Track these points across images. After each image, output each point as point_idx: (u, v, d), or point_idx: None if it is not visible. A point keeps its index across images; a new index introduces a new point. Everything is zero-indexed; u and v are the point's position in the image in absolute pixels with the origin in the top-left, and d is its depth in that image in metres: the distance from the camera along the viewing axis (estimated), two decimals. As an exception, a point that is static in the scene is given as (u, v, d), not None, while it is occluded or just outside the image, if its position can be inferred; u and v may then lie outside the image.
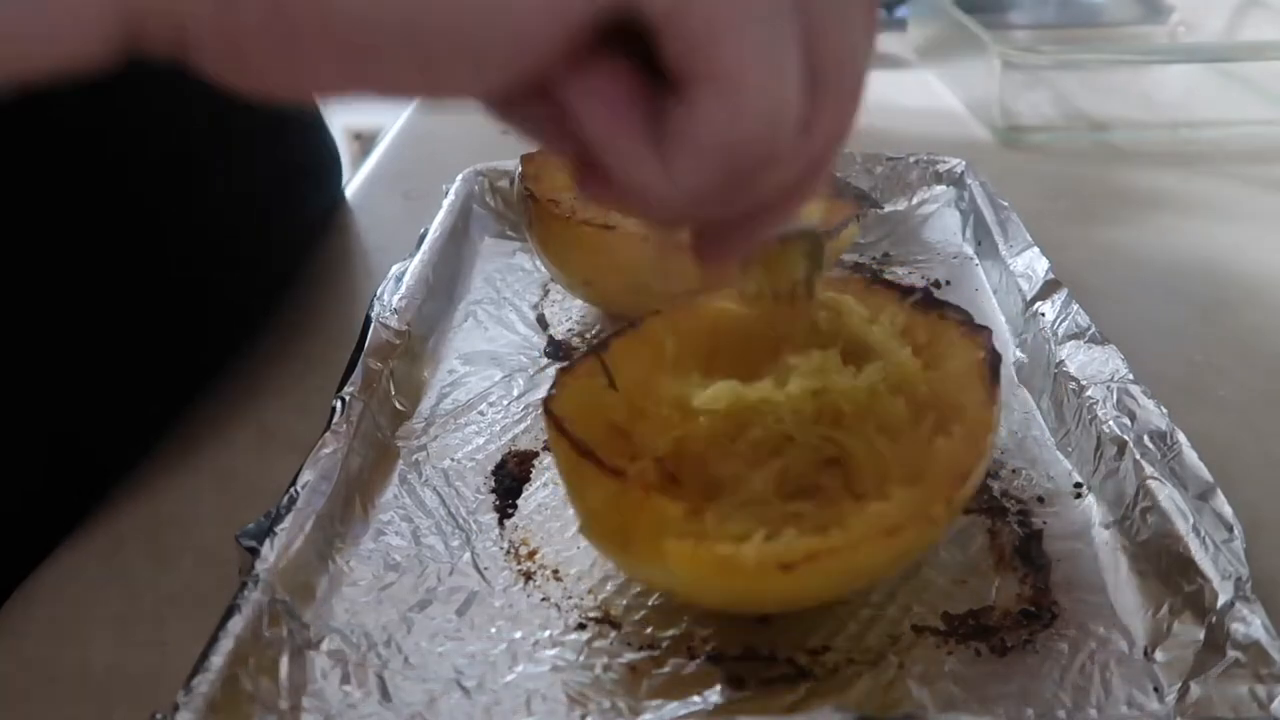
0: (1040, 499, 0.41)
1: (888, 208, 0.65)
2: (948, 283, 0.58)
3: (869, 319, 0.39)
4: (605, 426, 0.37)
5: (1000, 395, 0.36)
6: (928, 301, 0.41)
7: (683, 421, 0.37)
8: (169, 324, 0.48)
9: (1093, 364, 0.44)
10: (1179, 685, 0.32)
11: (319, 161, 0.69)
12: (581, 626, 0.36)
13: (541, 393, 0.48)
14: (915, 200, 0.65)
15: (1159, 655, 0.34)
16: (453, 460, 0.44)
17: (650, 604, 0.37)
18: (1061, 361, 0.45)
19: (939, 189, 0.65)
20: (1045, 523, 0.40)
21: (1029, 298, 0.51)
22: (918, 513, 0.32)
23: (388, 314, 0.49)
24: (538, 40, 0.23)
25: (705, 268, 0.30)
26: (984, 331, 0.39)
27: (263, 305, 0.57)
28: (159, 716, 0.29)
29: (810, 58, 0.25)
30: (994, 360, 0.37)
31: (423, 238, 0.56)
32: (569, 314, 0.55)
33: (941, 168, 0.65)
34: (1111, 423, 0.41)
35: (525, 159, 0.55)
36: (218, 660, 0.31)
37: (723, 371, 0.38)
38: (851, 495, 0.35)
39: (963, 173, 0.64)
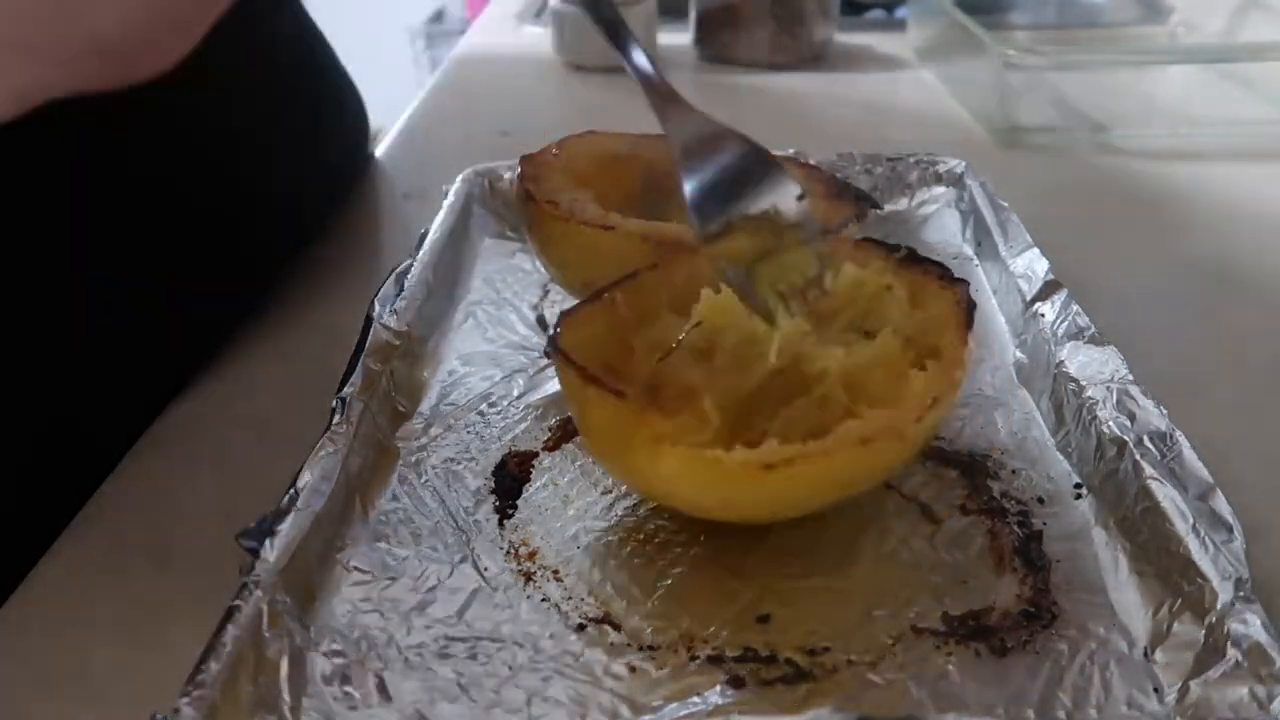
0: (1040, 500, 0.41)
1: (888, 208, 0.65)
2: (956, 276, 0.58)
3: (860, 274, 0.43)
4: (602, 361, 0.40)
5: (971, 338, 0.40)
6: (911, 258, 0.44)
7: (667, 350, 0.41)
8: (170, 304, 0.48)
9: (1093, 364, 0.44)
10: (1179, 686, 0.32)
11: (341, 126, 0.70)
12: (581, 627, 0.36)
13: (541, 394, 0.48)
14: (915, 201, 0.65)
15: (1159, 656, 0.34)
16: (453, 460, 0.44)
17: (650, 605, 0.37)
18: (1061, 362, 0.45)
19: (939, 189, 0.65)
20: (1045, 523, 0.40)
21: (1029, 298, 0.51)
22: (890, 428, 0.36)
23: (388, 314, 0.49)
24: None
25: None
26: (962, 284, 0.42)
27: (267, 281, 0.57)
28: (159, 717, 0.29)
29: None
30: (969, 306, 0.41)
31: (423, 238, 0.56)
32: (569, 314, 0.55)
33: (941, 168, 0.65)
34: (1111, 423, 0.41)
35: (524, 160, 0.55)
36: (218, 660, 0.31)
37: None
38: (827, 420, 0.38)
39: (963, 173, 0.64)
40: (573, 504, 0.42)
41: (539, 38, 1.03)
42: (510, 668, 0.34)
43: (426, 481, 0.43)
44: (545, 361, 0.51)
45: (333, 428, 0.41)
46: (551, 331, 0.39)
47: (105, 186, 0.45)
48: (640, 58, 0.42)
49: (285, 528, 0.36)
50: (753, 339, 0.41)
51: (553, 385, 0.49)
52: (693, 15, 0.99)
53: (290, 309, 0.57)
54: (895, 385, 0.39)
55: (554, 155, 0.55)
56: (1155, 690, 0.33)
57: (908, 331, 0.41)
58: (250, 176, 0.55)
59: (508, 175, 0.64)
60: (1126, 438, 0.40)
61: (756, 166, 0.39)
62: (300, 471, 0.39)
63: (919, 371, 0.39)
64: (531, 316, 0.55)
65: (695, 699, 0.33)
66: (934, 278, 0.43)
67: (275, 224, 0.58)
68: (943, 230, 0.63)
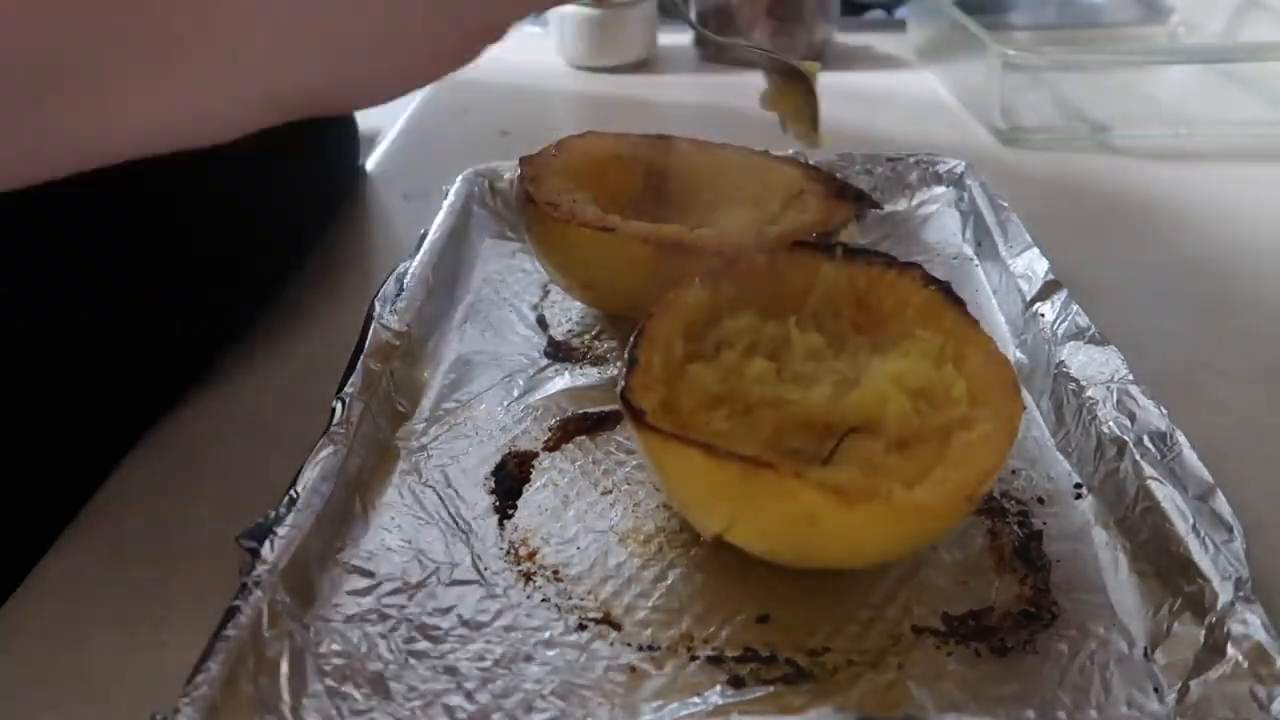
0: (1040, 500, 0.41)
1: (887, 208, 0.65)
2: (948, 283, 0.58)
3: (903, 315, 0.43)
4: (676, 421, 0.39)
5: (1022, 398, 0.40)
6: (945, 293, 0.43)
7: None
8: (170, 308, 0.48)
9: (1093, 364, 0.44)
10: (1179, 686, 0.32)
11: (335, 138, 0.70)
12: (582, 627, 0.36)
13: (541, 394, 0.48)
14: (915, 201, 0.65)
15: (1159, 656, 0.34)
16: (453, 461, 0.44)
17: (650, 605, 0.37)
18: (1061, 362, 0.45)
19: (939, 189, 0.65)
20: (1045, 523, 0.40)
21: (1029, 298, 0.51)
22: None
23: (388, 314, 0.49)
24: None
25: None
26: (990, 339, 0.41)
27: (268, 287, 0.57)
28: (159, 717, 0.29)
29: None
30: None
31: (423, 238, 0.56)
32: (569, 314, 0.55)
33: (941, 168, 0.65)
34: (1111, 423, 0.41)
35: (524, 161, 0.54)
36: (218, 661, 0.31)
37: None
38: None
39: (963, 173, 0.64)
40: (573, 504, 0.42)
41: (539, 38, 1.04)
42: (510, 668, 0.34)
43: (426, 481, 0.43)
44: (545, 361, 0.51)
45: (333, 428, 0.41)
46: (637, 414, 0.37)
47: (105, 199, 0.45)
48: None
49: (285, 528, 0.36)
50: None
51: (552, 385, 0.49)
52: (693, 15, 0.99)
53: (290, 309, 0.57)
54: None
55: (553, 156, 0.55)
56: (1155, 690, 0.33)
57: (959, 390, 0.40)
58: (243, 196, 0.55)
59: (508, 175, 0.64)
60: (1126, 438, 0.40)
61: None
62: (300, 471, 0.39)
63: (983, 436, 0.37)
64: (531, 316, 0.55)
65: (695, 699, 0.33)
66: (970, 323, 0.42)
67: (266, 243, 0.58)
68: (943, 230, 0.63)
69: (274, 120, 0.33)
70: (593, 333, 0.54)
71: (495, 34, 0.36)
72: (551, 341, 0.53)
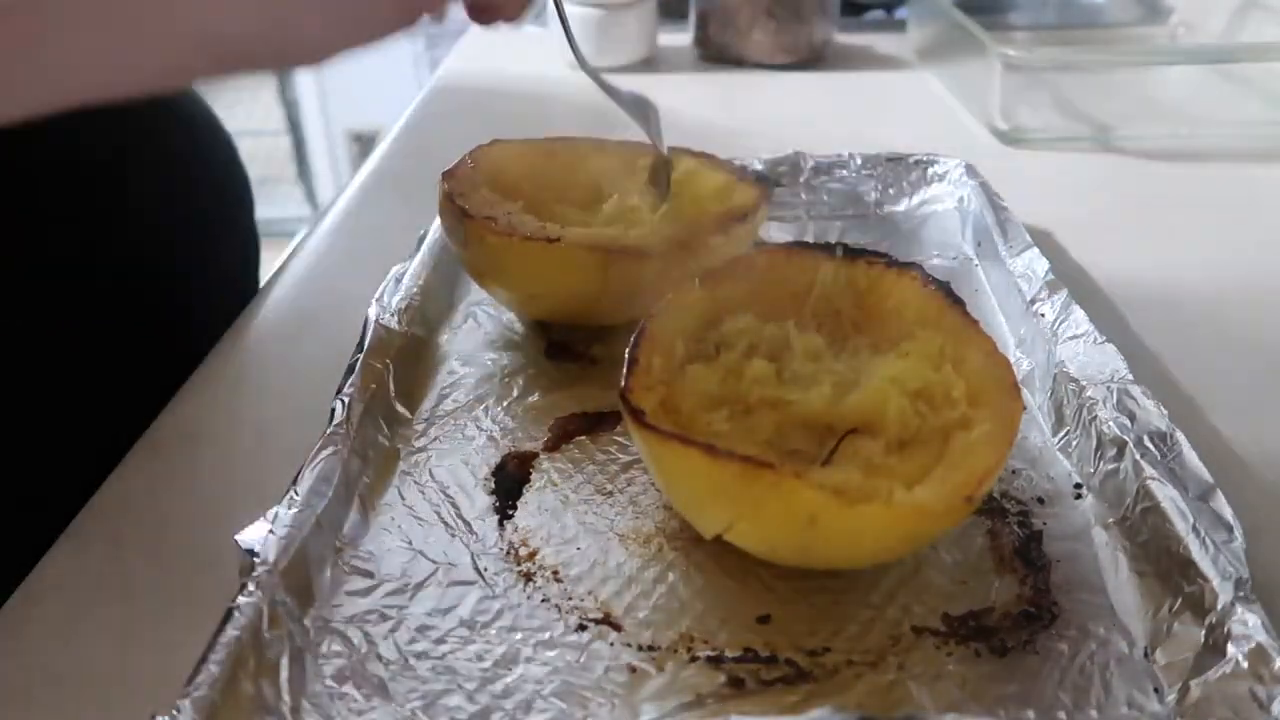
0: (1040, 500, 0.41)
1: (887, 208, 0.65)
2: (948, 283, 0.58)
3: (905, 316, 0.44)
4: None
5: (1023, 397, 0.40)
6: (945, 293, 0.44)
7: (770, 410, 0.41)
8: (154, 313, 0.48)
9: (1093, 364, 0.44)
10: (1179, 686, 0.32)
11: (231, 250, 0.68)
12: (582, 628, 0.36)
13: (541, 394, 0.48)
14: (915, 200, 0.65)
15: (1159, 656, 0.34)
16: (452, 461, 0.44)
17: (650, 605, 0.37)
18: (1061, 362, 0.45)
19: (939, 189, 0.65)
20: (1045, 523, 0.40)
21: (1029, 298, 0.51)
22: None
23: (388, 315, 0.49)
24: None
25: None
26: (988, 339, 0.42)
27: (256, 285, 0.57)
28: (159, 717, 0.29)
29: None
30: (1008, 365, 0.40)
31: (422, 238, 0.56)
32: (569, 314, 0.55)
33: (941, 168, 0.65)
34: (1111, 423, 0.41)
35: (446, 176, 0.52)
36: (218, 661, 0.31)
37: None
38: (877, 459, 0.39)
39: (963, 173, 0.64)
40: (573, 504, 0.42)
41: (539, 38, 1.04)
42: (510, 668, 0.34)
43: (426, 482, 0.43)
44: (545, 361, 0.51)
45: (332, 428, 0.41)
46: (637, 414, 0.37)
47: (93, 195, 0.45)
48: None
49: (285, 528, 0.36)
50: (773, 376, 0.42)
51: (552, 385, 0.49)
52: (693, 15, 0.99)
53: (290, 310, 0.57)
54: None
55: (471, 168, 0.53)
56: (1155, 690, 0.33)
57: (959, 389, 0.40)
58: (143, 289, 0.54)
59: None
60: (1126, 438, 0.40)
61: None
62: (300, 472, 0.39)
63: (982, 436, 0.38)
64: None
65: (695, 699, 0.33)
66: (970, 323, 0.42)
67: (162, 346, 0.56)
68: (943, 230, 0.63)
69: (207, 70, 0.34)
70: (592, 333, 0.53)
71: (434, 5, 0.37)
72: (551, 341, 0.53)
